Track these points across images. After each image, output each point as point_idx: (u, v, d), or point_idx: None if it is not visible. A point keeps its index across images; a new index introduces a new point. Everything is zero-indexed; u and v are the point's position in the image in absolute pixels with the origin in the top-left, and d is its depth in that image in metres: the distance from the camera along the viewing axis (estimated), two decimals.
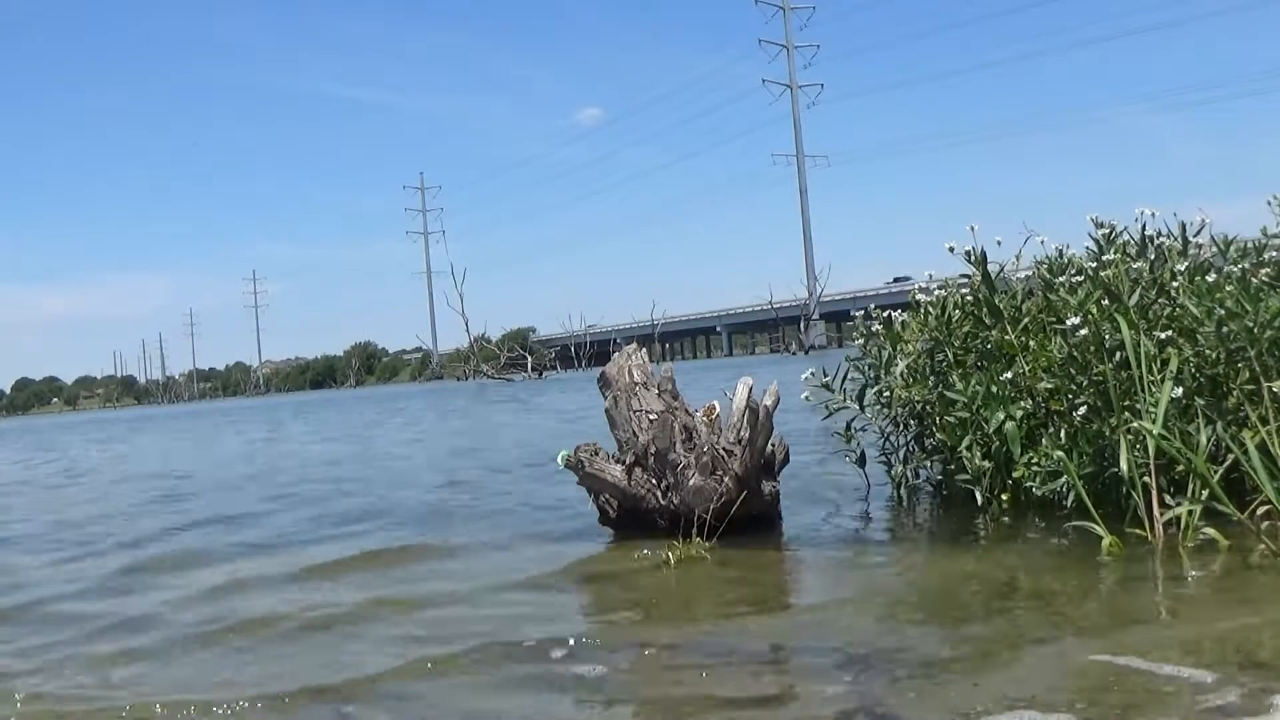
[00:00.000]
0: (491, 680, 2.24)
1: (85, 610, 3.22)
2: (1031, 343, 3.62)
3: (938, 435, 3.88)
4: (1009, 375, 3.59)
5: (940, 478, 4.12)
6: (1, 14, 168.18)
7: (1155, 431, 2.89)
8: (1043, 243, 3.70)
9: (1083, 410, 3.32)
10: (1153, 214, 3.53)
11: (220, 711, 2.12)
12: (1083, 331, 3.24)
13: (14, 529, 5.51)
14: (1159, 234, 3.55)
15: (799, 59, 63.95)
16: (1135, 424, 2.97)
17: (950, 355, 3.84)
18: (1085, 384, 3.35)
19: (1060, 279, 3.56)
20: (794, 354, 44.52)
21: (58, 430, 28.57)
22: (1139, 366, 3.03)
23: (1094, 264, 3.48)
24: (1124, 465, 2.96)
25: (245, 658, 2.57)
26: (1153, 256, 3.50)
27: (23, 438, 24.13)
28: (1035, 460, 3.38)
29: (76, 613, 3.19)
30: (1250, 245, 3.47)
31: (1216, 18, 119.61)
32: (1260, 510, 2.85)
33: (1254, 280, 3.23)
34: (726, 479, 3.45)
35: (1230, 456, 2.91)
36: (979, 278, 3.76)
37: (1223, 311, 3.01)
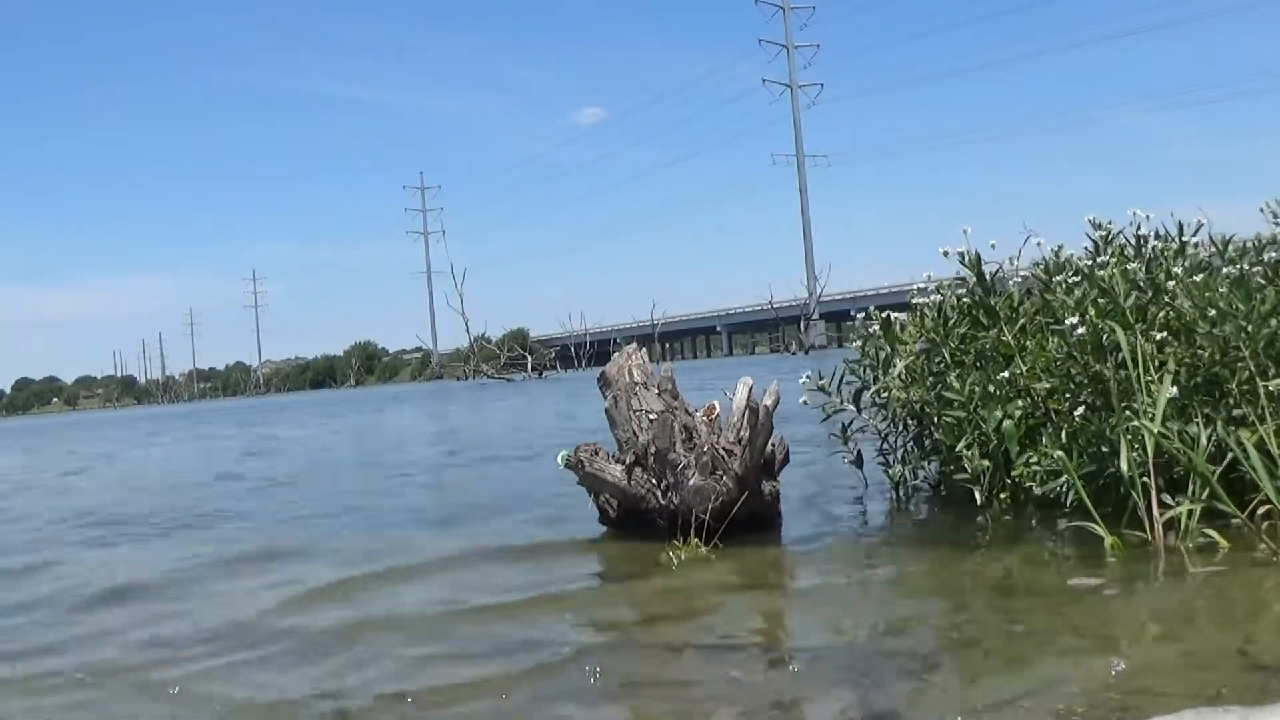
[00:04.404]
0: (492, 680, 2.24)
1: None
2: (1029, 343, 3.63)
3: (936, 435, 3.88)
4: (1006, 375, 3.60)
5: (939, 478, 4.12)
6: (1, 14, 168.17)
7: (1155, 430, 2.89)
8: (1039, 244, 3.71)
9: (1081, 410, 3.32)
10: (1147, 216, 3.54)
11: None
12: (1080, 331, 3.24)
13: None
14: (1155, 235, 3.55)
15: (799, 59, 63.93)
16: (1135, 423, 2.97)
17: (948, 356, 3.85)
18: (1084, 383, 3.35)
19: (1057, 279, 3.57)
20: (794, 354, 44.47)
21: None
22: (1136, 367, 3.03)
23: (1089, 264, 3.48)
24: (1124, 465, 2.96)
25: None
26: (1149, 257, 3.50)
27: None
28: (1034, 460, 3.38)
29: None
30: (1248, 244, 3.47)
31: (1216, 18, 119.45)
32: (1260, 510, 2.86)
33: (1252, 280, 3.23)
34: (726, 479, 3.45)
35: (1230, 456, 2.91)
36: (974, 279, 3.77)
37: (1214, 312, 3.02)
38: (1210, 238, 3.56)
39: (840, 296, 60.35)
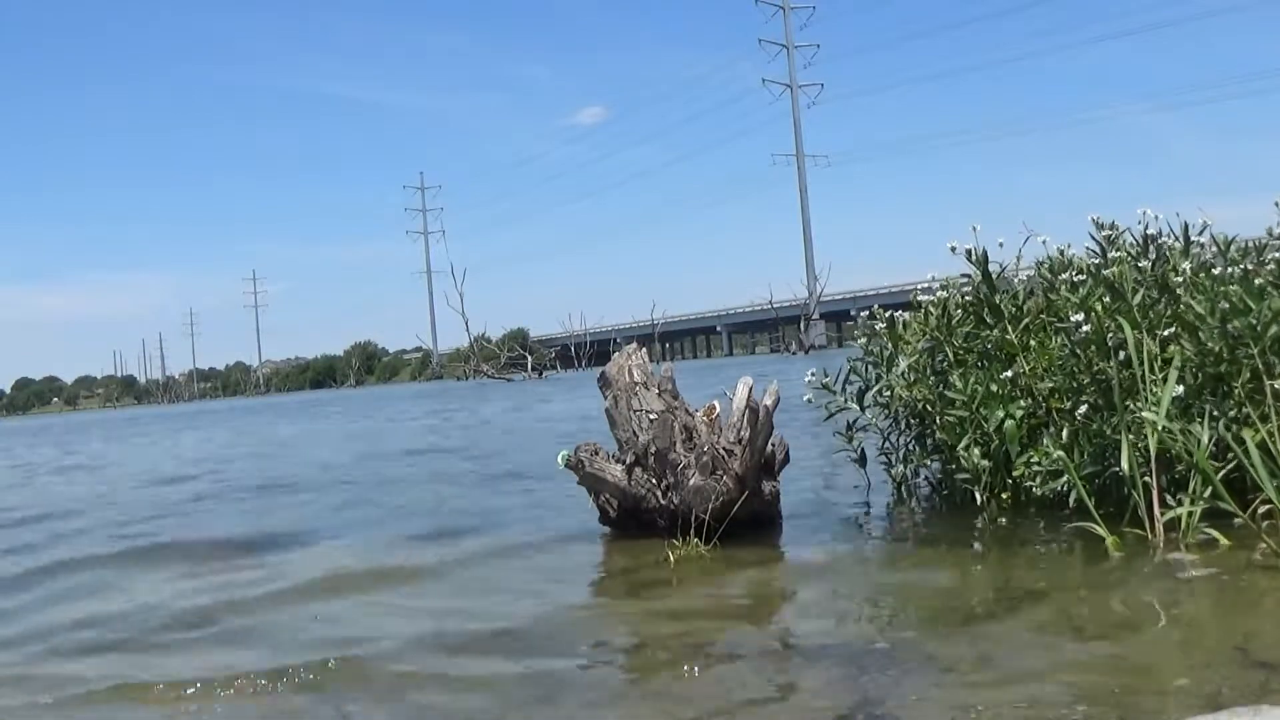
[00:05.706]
0: (493, 677, 2.24)
1: None
2: (1033, 342, 3.62)
3: (938, 434, 3.88)
4: (1009, 374, 3.59)
5: (940, 477, 4.12)
6: (1, 14, 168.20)
7: (1160, 424, 2.88)
8: (1044, 243, 3.70)
9: (1084, 409, 3.31)
10: (1155, 215, 3.54)
11: None
12: (1085, 328, 3.24)
13: None
14: (1160, 234, 3.55)
15: (799, 59, 63.94)
16: (1140, 414, 2.97)
17: (951, 354, 3.84)
18: (1087, 382, 3.35)
19: (1062, 278, 3.56)
20: (794, 354, 44.41)
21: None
22: (1141, 365, 3.02)
23: (1096, 263, 3.47)
24: (1125, 464, 2.95)
25: None
26: (1154, 256, 3.50)
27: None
28: (1036, 459, 3.37)
29: None
30: (1251, 244, 3.46)
31: (1216, 18, 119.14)
32: (1261, 509, 2.85)
33: (1257, 280, 3.22)
34: (726, 479, 3.45)
35: (1231, 456, 2.91)
36: (979, 277, 3.76)
37: (1226, 307, 3.01)
38: (1212, 237, 3.56)
39: (840, 296, 60.30)
